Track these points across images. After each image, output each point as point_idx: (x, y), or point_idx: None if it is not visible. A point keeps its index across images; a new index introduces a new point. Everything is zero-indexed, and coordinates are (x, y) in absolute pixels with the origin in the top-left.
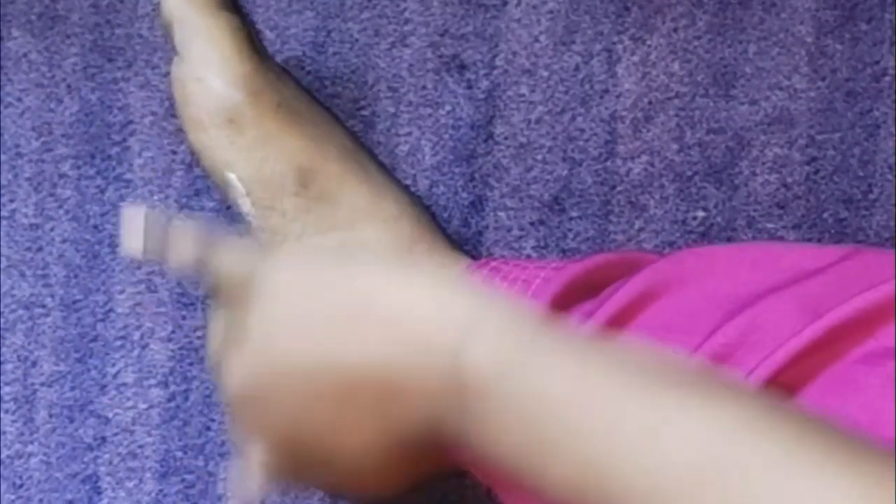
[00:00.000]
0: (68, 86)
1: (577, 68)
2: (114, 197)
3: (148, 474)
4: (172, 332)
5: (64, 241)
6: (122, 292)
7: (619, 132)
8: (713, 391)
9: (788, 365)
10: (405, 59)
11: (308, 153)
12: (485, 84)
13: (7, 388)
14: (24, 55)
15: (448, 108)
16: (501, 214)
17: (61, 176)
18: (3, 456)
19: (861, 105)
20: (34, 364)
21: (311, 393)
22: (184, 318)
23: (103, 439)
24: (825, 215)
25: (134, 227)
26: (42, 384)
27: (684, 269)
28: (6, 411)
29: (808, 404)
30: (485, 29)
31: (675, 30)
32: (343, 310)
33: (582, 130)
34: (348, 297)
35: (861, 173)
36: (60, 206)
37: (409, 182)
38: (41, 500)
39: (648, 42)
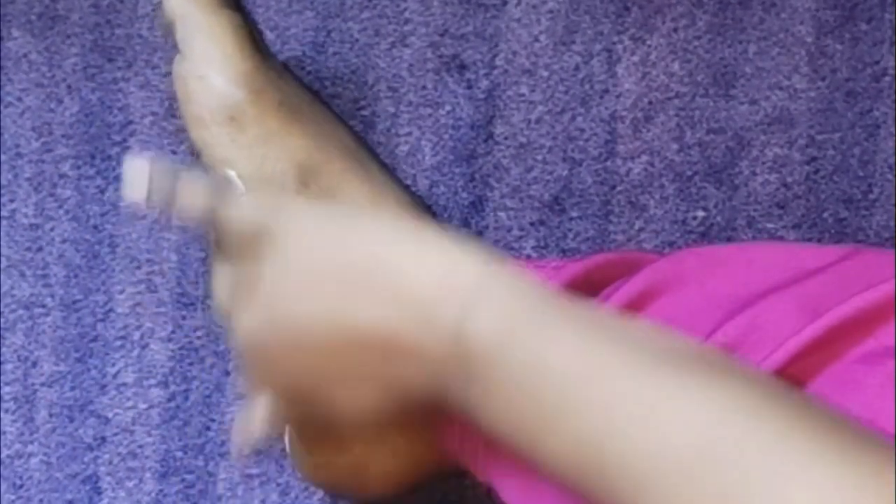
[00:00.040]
0: (68, 86)
1: (577, 68)
2: (114, 197)
3: (148, 474)
4: (172, 332)
5: (64, 241)
6: (122, 292)
7: (619, 132)
8: (716, 372)
9: (788, 364)
10: (405, 59)
11: (309, 152)
12: (485, 84)
13: (7, 388)
14: (24, 55)
15: (448, 108)
16: (501, 214)
17: (61, 176)
18: (3, 456)
19: (861, 105)
20: (34, 364)
21: (318, 346)
22: (184, 318)
23: (103, 439)
24: (825, 215)
25: (138, 176)
26: (42, 384)
27: (684, 269)
28: (6, 411)
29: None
30: (485, 29)
31: (675, 30)
32: (353, 268)
33: (582, 130)
34: (359, 255)
35: (861, 173)
36: (60, 206)
37: (409, 182)
38: (41, 501)
39: (648, 42)
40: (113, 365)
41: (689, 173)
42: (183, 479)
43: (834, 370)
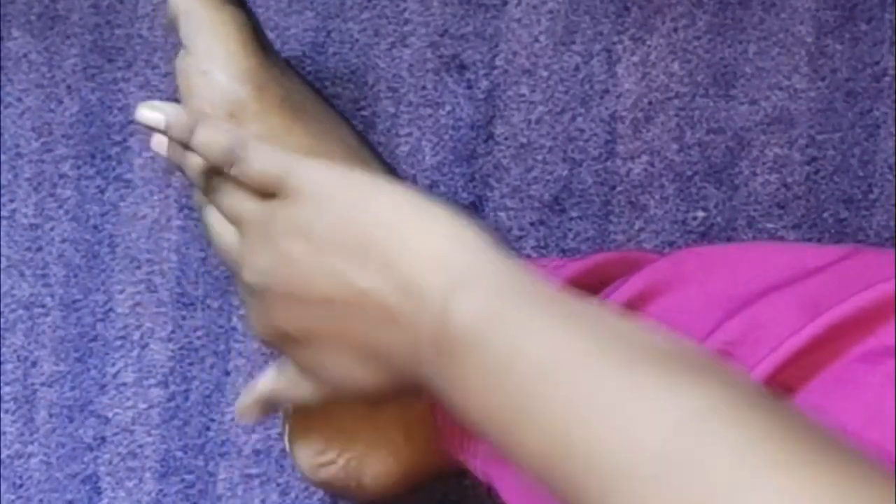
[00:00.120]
0: (68, 86)
1: (577, 68)
2: (114, 197)
3: (148, 474)
4: (172, 332)
5: (64, 241)
6: (122, 292)
7: (619, 132)
8: (695, 372)
9: (788, 363)
10: (405, 59)
11: (311, 149)
12: (485, 84)
13: (7, 388)
14: (24, 55)
15: (448, 108)
16: (501, 214)
17: (61, 176)
18: (3, 456)
19: (861, 105)
20: (34, 364)
21: (316, 300)
22: (184, 318)
23: (103, 439)
24: (825, 215)
25: (155, 109)
26: (42, 384)
27: (684, 269)
28: (6, 411)
29: (804, 403)
30: (485, 29)
31: (675, 30)
32: (359, 232)
33: (582, 130)
34: (367, 221)
35: (861, 173)
36: (60, 206)
37: (409, 182)
38: (41, 500)
39: (648, 42)
40: (113, 365)
41: (689, 173)
42: (183, 479)
43: (834, 369)
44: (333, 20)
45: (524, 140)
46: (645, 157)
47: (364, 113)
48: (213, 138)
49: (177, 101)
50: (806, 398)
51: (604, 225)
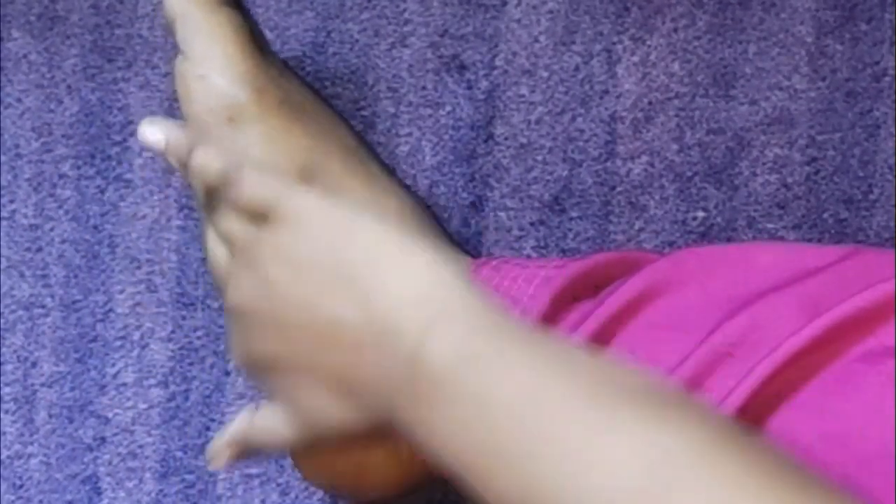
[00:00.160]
0: (68, 86)
1: (577, 68)
2: (114, 197)
3: (148, 474)
4: (172, 332)
5: (64, 241)
6: (122, 292)
7: (619, 132)
8: (668, 410)
9: (788, 363)
10: (405, 59)
11: (310, 151)
12: (485, 84)
13: (7, 389)
14: (24, 56)
15: (448, 108)
16: (501, 214)
17: (61, 176)
18: (3, 456)
19: (861, 105)
20: (34, 364)
21: (295, 328)
22: (184, 318)
23: (103, 439)
24: (825, 215)
25: (157, 127)
26: (42, 384)
27: (684, 269)
28: (6, 412)
29: (804, 403)
30: (485, 29)
31: (675, 30)
32: (342, 265)
33: (582, 131)
34: (350, 255)
35: (861, 173)
36: (60, 207)
37: (409, 182)
38: (41, 501)
39: (648, 42)
40: (113, 365)
41: (690, 174)
42: (183, 479)
43: (834, 369)
44: (333, 20)
45: (524, 140)
46: (645, 158)
47: (364, 113)
48: (208, 162)
49: (176, 102)
50: (806, 398)
51: (604, 225)
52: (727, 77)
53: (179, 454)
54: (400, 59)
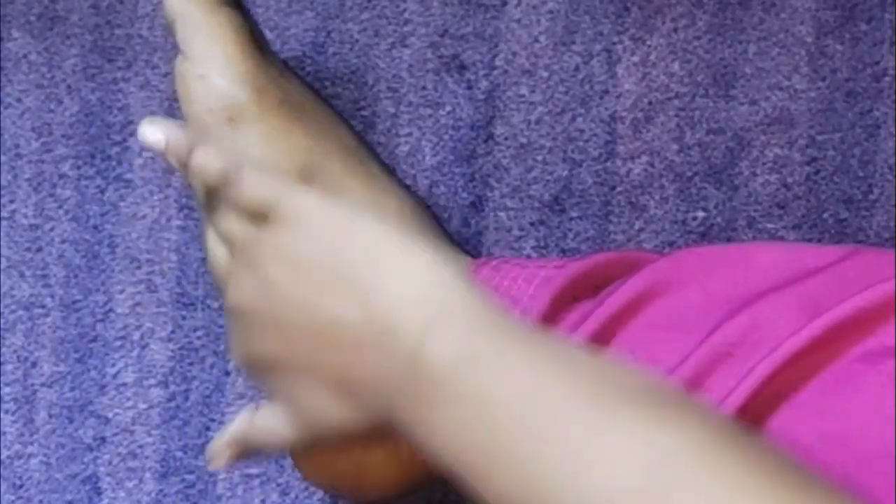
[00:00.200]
0: (68, 86)
1: (577, 68)
2: (114, 197)
3: (148, 474)
4: (172, 332)
5: (64, 241)
6: (122, 292)
7: (619, 132)
8: (668, 410)
9: (788, 363)
10: (405, 59)
11: (310, 151)
12: (485, 84)
13: (7, 389)
14: (24, 56)
15: (448, 108)
16: (501, 214)
17: (61, 176)
18: (3, 456)
19: (861, 105)
20: (34, 364)
21: (295, 327)
22: (184, 318)
23: (103, 439)
24: (825, 215)
25: (158, 128)
26: (42, 384)
27: (684, 269)
28: (6, 412)
29: (804, 403)
30: (485, 29)
31: (675, 30)
32: (342, 265)
33: (582, 131)
34: (350, 255)
35: (861, 173)
36: (60, 207)
37: (409, 182)
38: (41, 501)
39: (648, 42)
40: (113, 365)
41: (689, 174)
42: (183, 479)
43: (834, 370)
44: (333, 20)
45: (524, 140)
46: (645, 158)
47: (364, 113)
48: (208, 162)
49: (176, 102)
50: (806, 398)
51: (604, 225)
52: (727, 77)
53: (179, 454)
54: (400, 59)
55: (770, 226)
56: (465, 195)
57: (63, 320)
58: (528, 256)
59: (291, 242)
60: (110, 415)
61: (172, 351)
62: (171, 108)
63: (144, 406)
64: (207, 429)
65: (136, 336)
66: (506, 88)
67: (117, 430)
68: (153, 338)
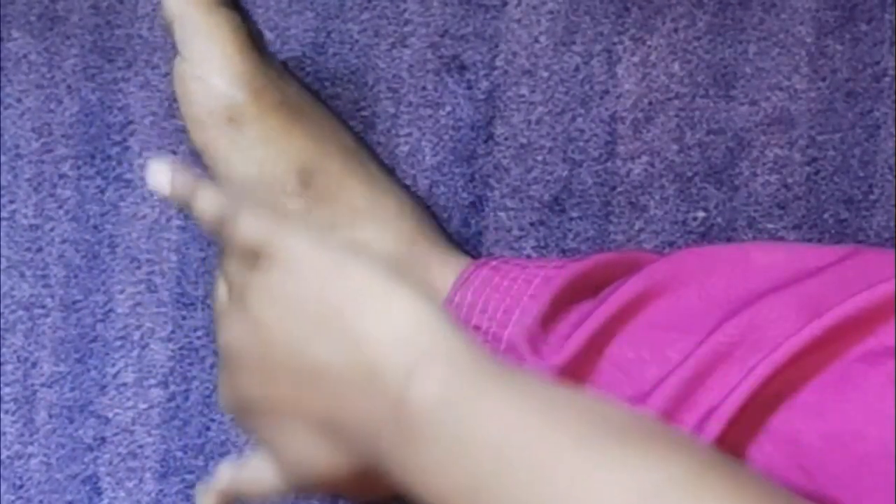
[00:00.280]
0: (68, 86)
1: (577, 69)
2: (114, 197)
3: (148, 474)
4: (172, 332)
5: (64, 241)
6: (122, 292)
7: (619, 133)
8: (653, 442)
9: (788, 364)
10: (405, 59)
11: (309, 152)
12: (485, 85)
13: (7, 389)
14: (24, 56)
15: (448, 108)
16: (501, 215)
17: (61, 176)
18: (3, 457)
19: (861, 105)
20: (34, 365)
21: (281, 369)
22: (184, 318)
23: (103, 439)
24: (825, 216)
25: (161, 177)
26: (42, 385)
27: (684, 269)
28: (6, 412)
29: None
30: (485, 29)
31: (675, 30)
32: (328, 308)
33: (582, 131)
34: (336, 298)
35: (861, 174)
36: (60, 207)
37: (409, 182)
38: (41, 501)
39: (648, 42)
40: (113, 365)
41: (690, 174)
42: (183, 479)
43: (834, 369)
44: (333, 21)
45: (524, 140)
46: (645, 158)
47: (364, 113)
48: (207, 205)
49: (176, 103)
50: (806, 398)
51: (604, 225)
52: (727, 77)
53: (179, 454)
54: (400, 59)
55: (770, 226)
56: (465, 195)
57: (63, 320)
58: (528, 256)
59: (280, 284)
60: (110, 415)
61: (172, 351)
62: (171, 108)
63: (144, 406)
64: (207, 429)
65: (136, 336)
66: (506, 88)
67: (117, 430)
68: (153, 338)
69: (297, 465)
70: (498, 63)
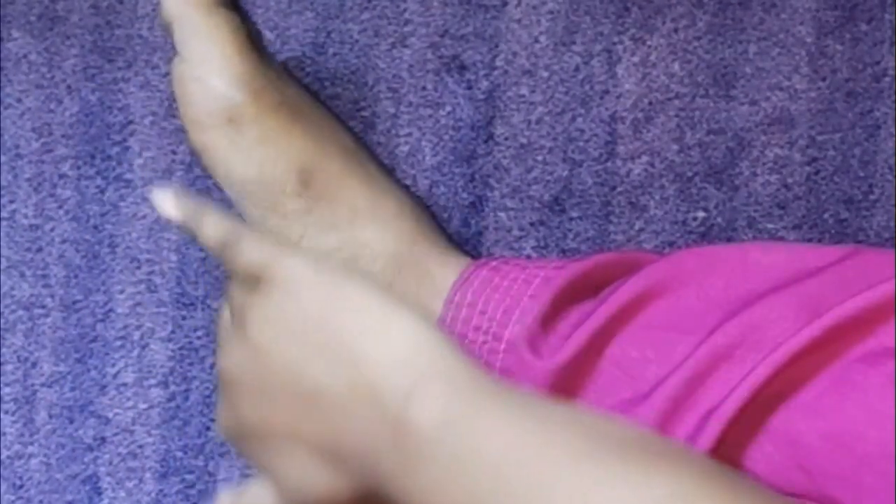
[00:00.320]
0: (68, 86)
1: (577, 69)
2: (114, 197)
3: (148, 474)
4: (172, 332)
5: (64, 241)
6: (122, 292)
7: (619, 133)
8: (653, 457)
9: (788, 364)
10: (405, 59)
11: (309, 153)
12: (485, 85)
13: (7, 389)
14: (24, 56)
15: (448, 108)
16: (501, 215)
17: (61, 176)
18: (3, 457)
19: (861, 105)
20: (34, 365)
21: (279, 393)
22: (184, 318)
23: (103, 439)
24: (825, 215)
25: (166, 204)
26: (42, 385)
27: (684, 269)
28: (6, 412)
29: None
30: (485, 29)
31: (675, 30)
32: (327, 332)
33: (582, 131)
34: (335, 322)
35: (861, 174)
36: (60, 207)
37: (409, 182)
38: (41, 501)
39: (648, 42)
40: (113, 365)
41: (690, 174)
42: (183, 479)
43: (834, 370)
44: (333, 21)
45: (524, 140)
46: (645, 158)
47: (364, 114)
48: (212, 231)
49: (176, 103)
50: (806, 398)
51: (604, 225)
52: (727, 77)
53: (179, 454)
54: (400, 59)
55: (770, 226)
56: (465, 195)
57: (63, 320)
58: (528, 257)
59: (279, 306)
60: (110, 415)
61: (172, 351)
62: (171, 109)
63: (144, 406)
64: (207, 429)
65: (136, 336)
66: (506, 88)
67: (117, 430)
68: (153, 338)
69: (298, 490)
70: (498, 63)
